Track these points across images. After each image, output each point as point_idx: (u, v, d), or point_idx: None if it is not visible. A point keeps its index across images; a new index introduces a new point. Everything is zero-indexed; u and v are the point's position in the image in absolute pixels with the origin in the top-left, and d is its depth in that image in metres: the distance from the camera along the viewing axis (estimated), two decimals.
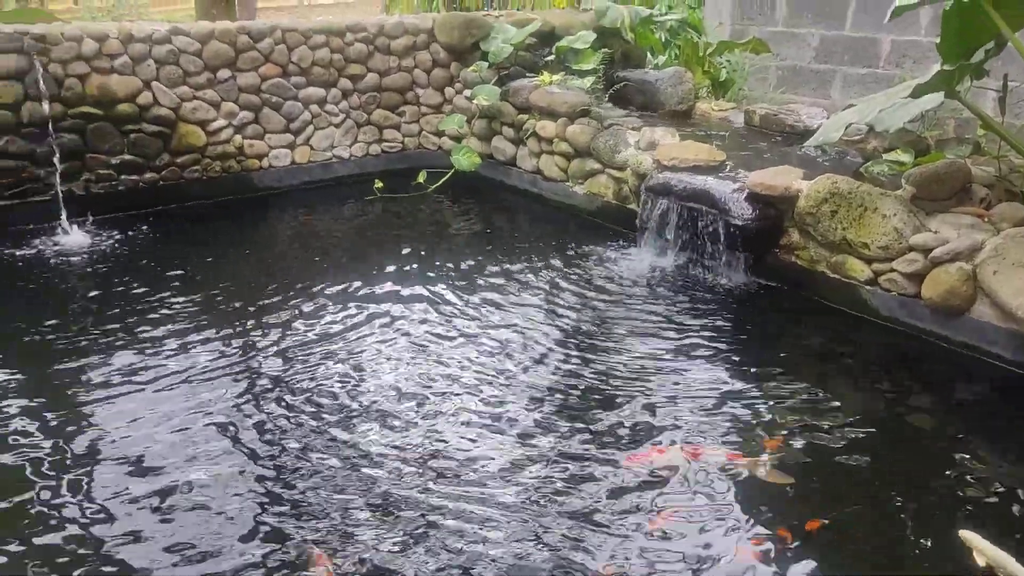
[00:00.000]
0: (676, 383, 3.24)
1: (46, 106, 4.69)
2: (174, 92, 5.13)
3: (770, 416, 3.02)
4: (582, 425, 2.95)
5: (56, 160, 4.78)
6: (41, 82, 4.65)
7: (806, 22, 7.51)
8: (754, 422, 2.97)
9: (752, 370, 3.37)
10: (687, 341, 3.59)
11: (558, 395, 3.16)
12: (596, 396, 3.14)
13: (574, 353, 3.49)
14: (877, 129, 4.11)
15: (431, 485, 2.59)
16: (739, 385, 3.23)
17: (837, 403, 3.12)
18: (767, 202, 4.06)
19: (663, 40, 6.90)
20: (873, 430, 2.94)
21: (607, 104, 5.50)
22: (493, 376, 3.29)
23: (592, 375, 3.30)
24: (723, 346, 3.56)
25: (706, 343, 3.58)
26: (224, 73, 5.28)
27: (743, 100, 6.50)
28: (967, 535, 2.18)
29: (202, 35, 5.17)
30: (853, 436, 2.89)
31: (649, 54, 6.53)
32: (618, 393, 3.16)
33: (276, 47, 5.43)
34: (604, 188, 5.05)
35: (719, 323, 3.79)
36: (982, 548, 2.13)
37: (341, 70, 5.74)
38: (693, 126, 5.43)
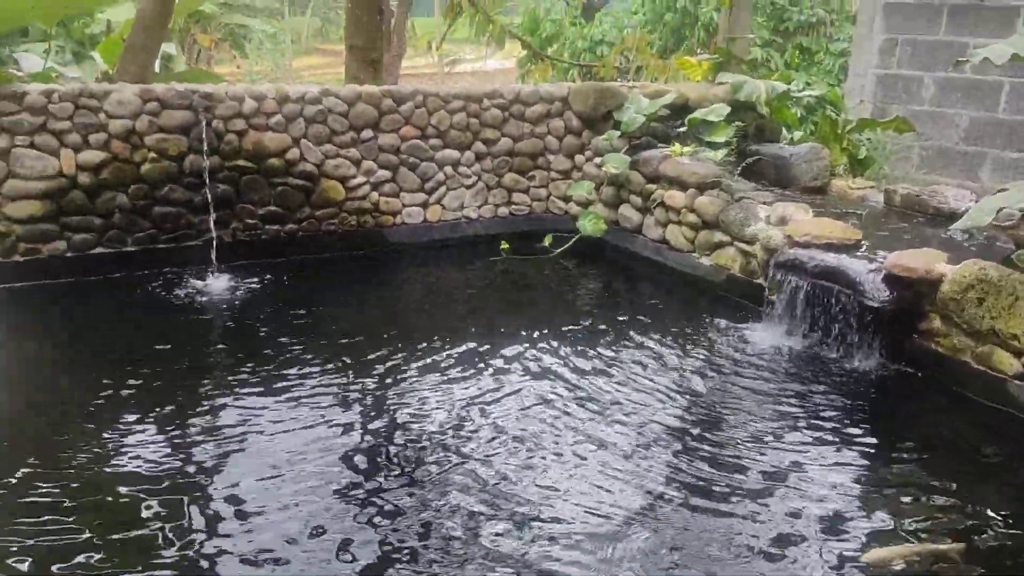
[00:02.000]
0: (800, 469, 3.09)
1: (206, 159, 5.08)
2: (320, 149, 5.45)
3: (908, 517, 2.82)
4: (702, 504, 2.85)
5: (210, 208, 5.14)
6: (204, 136, 5.04)
7: (954, 103, 7.24)
8: (890, 522, 2.78)
9: (885, 462, 3.18)
10: (813, 425, 3.44)
11: (674, 473, 3.07)
12: (716, 477, 3.03)
13: (692, 429, 3.39)
14: None
15: (545, 552, 2.56)
16: (868, 476, 3.05)
17: (980, 505, 2.89)
18: (906, 284, 3.88)
19: (799, 116, 6.79)
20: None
21: (738, 177, 5.44)
22: (604, 446, 3.24)
23: (712, 454, 3.18)
24: (853, 433, 3.38)
25: (835, 429, 3.41)
26: (367, 133, 5.57)
27: (883, 179, 6.29)
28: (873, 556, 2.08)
29: (350, 97, 5.49)
30: (1002, 545, 2.66)
31: (784, 129, 6.44)
32: (738, 474, 3.04)
33: (416, 110, 5.70)
34: (731, 261, 4.96)
35: (849, 408, 3.61)
36: (891, 555, 2.03)
37: (476, 134, 5.95)
38: (828, 203, 5.28)
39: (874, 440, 3.36)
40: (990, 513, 2.84)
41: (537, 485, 2.94)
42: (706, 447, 3.24)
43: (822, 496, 2.91)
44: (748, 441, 3.30)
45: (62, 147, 4.79)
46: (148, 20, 5.45)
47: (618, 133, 5.88)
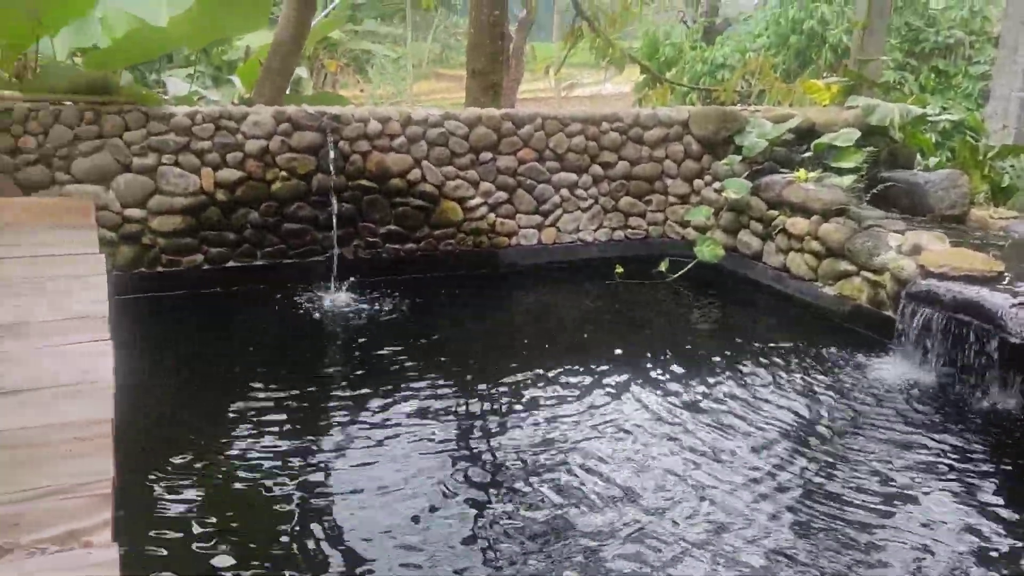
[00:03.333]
0: (926, 518, 2.90)
1: (333, 178, 5.28)
2: (440, 171, 5.58)
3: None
4: (817, 549, 2.73)
5: (334, 226, 5.34)
6: (331, 156, 5.26)
7: None
8: None
9: (1014, 509, 2.95)
10: (944, 469, 3.23)
11: (792, 515, 2.96)
12: (833, 522, 2.89)
13: (810, 467, 3.24)
14: None
15: None
16: (996, 536, 2.83)
17: None
18: None
19: (935, 141, 6.48)
20: None
21: (867, 204, 5.23)
22: (719, 482, 3.14)
23: (831, 496, 3.03)
24: (989, 479, 3.16)
25: (968, 473, 3.19)
26: (486, 155, 5.67)
27: None
28: None
29: (471, 120, 5.61)
30: None
31: (919, 155, 6.15)
32: (856, 519, 2.88)
33: (535, 133, 5.76)
34: (857, 291, 4.76)
35: (985, 451, 3.38)
36: None
37: (594, 157, 5.96)
38: (966, 233, 5.00)
39: (1011, 488, 3.13)
40: None
41: (647, 523, 2.88)
42: (825, 488, 3.09)
43: (949, 550, 2.73)
44: (871, 483, 3.12)
45: (203, 166, 5.09)
46: (285, 45, 5.74)
47: (739, 158, 5.76)
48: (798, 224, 5.19)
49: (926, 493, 3.07)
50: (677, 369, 4.19)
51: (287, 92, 6.33)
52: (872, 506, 2.97)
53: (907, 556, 2.67)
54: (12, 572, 1.58)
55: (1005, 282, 4.00)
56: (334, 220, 5.33)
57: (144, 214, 5.01)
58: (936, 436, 3.51)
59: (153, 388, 3.79)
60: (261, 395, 3.74)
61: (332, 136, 5.27)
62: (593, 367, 4.19)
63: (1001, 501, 3.03)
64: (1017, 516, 2.93)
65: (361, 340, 4.54)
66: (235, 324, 4.79)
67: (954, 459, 3.32)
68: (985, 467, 3.27)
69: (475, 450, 3.33)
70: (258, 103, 5.63)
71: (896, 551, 2.70)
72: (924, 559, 2.66)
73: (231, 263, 5.25)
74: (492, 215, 5.77)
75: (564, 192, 5.94)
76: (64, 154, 4.82)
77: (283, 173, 5.24)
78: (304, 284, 5.33)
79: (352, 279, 5.37)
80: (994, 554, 2.69)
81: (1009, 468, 3.28)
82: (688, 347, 4.57)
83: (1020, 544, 2.76)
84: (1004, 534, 2.81)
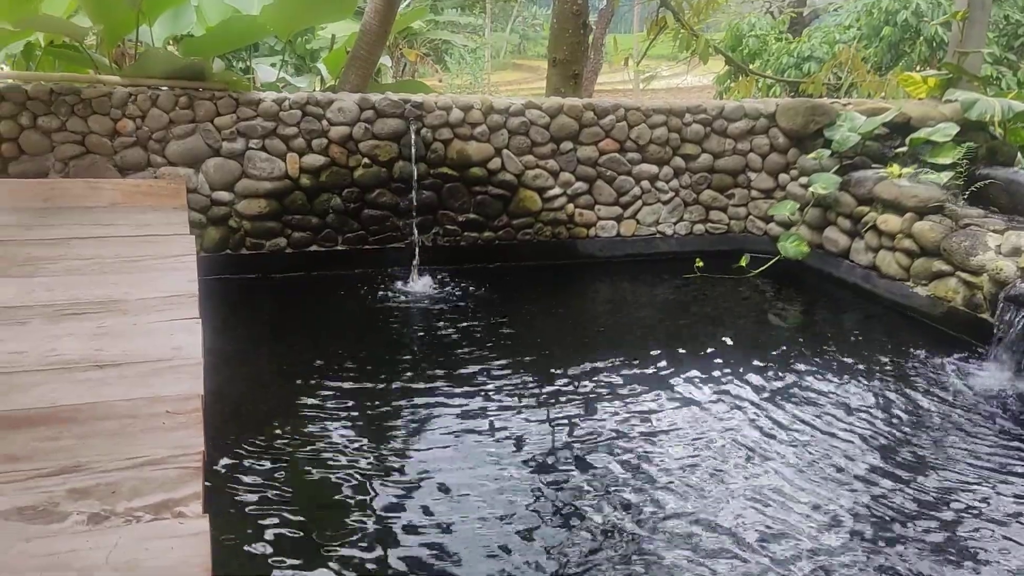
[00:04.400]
0: (1013, 534, 2.75)
1: (414, 165, 5.32)
2: (520, 160, 5.56)
3: None
4: None
5: (414, 213, 5.38)
6: (413, 144, 5.30)
7: None
8: None
9: None
10: None
11: (868, 531, 2.85)
12: (911, 545, 2.76)
13: (892, 484, 3.08)
14: None
15: None
16: None
17: None
18: None
19: None
20: None
21: (964, 202, 4.99)
22: (787, 488, 3.05)
23: (898, 516, 2.88)
24: None
25: None
26: (566, 145, 5.63)
27: None
28: None
29: (552, 109, 5.57)
30: None
31: (1021, 153, 5.85)
32: (939, 542, 2.76)
33: (617, 124, 5.69)
34: (952, 292, 4.56)
35: None
36: None
37: (676, 149, 5.85)
38: None
39: None
40: None
41: (714, 521, 2.82)
42: (897, 505, 2.96)
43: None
44: (961, 501, 2.98)
45: (288, 151, 5.20)
46: (371, 34, 5.80)
47: (828, 152, 5.57)
48: (890, 221, 5.00)
49: (1016, 511, 2.91)
50: (757, 368, 4.08)
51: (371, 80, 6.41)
52: (962, 510, 2.84)
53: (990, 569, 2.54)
54: (110, 537, 1.63)
55: None
56: (414, 207, 5.38)
57: (231, 197, 5.15)
58: None
59: (238, 367, 3.89)
60: (339, 378, 3.80)
61: (414, 124, 5.31)
62: (666, 362, 4.12)
63: None
64: None
65: (438, 328, 4.57)
66: (315, 308, 4.88)
67: None
68: None
69: (546, 440, 3.31)
70: (343, 90, 5.71)
71: (981, 565, 2.58)
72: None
73: (313, 247, 5.36)
74: (571, 205, 5.73)
75: (645, 184, 5.86)
76: (159, 137, 4.99)
77: (365, 160, 5.31)
78: (383, 270, 5.40)
79: (431, 267, 5.41)
80: None
81: None
82: (769, 346, 4.45)
83: None
84: None
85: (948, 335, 4.50)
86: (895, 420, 3.57)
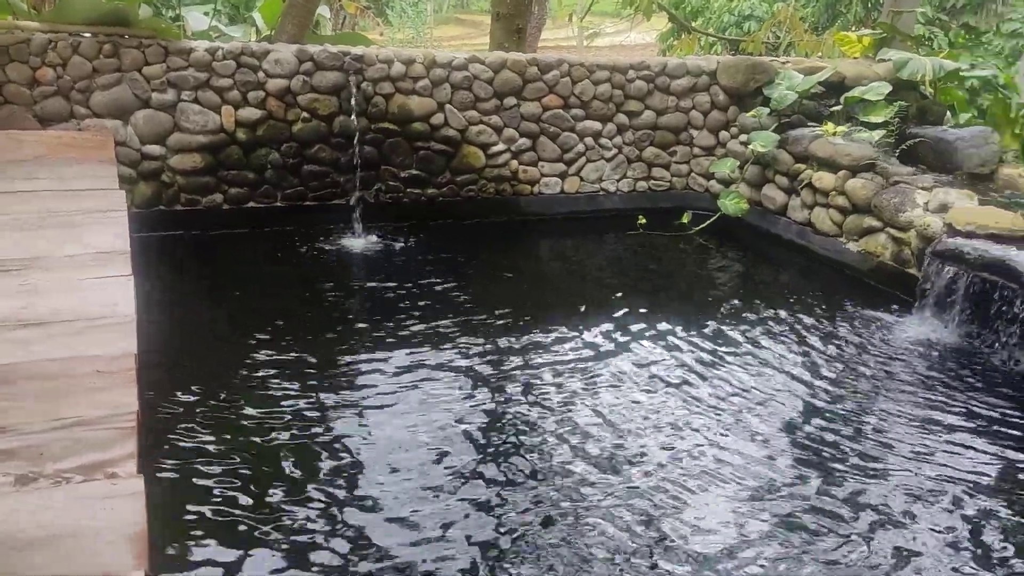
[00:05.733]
0: (934, 482, 2.87)
1: (355, 120, 5.22)
2: (463, 115, 5.50)
3: None
4: (811, 516, 2.73)
5: (356, 169, 5.29)
6: (354, 98, 5.19)
7: None
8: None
9: None
10: (963, 429, 3.21)
11: (802, 472, 2.95)
12: (834, 484, 2.88)
13: (828, 426, 3.22)
14: None
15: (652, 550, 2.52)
16: (1015, 487, 2.82)
17: None
18: None
19: (966, 98, 6.32)
20: None
21: (894, 160, 5.12)
22: (729, 437, 3.14)
23: (835, 457, 3.01)
24: (1002, 438, 3.14)
25: (981, 437, 3.17)
26: (510, 100, 5.58)
27: None
28: None
29: (496, 64, 5.50)
30: None
31: (949, 112, 6.01)
32: (867, 484, 2.87)
33: (561, 80, 5.66)
34: (881, 248, 4.69)
35: (1000, 414, 3.34)
36: None
37: (620, 106, 5.85)
38: (995, 191, 4.90)
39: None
40: None
41: (662, 476, 2.89)
42: (841, 447, 3.08)
43: (963, 513, 2.72)
44: (887, 444, 3.11)
45: (223, 103, 5.04)
46: None
47: (767, 110, 5.64)
48: (825, 179, 5.10)
49: (938, 451, 3.05)
50: (695, 322, 4.16)
51: (308, 32, 6.23)
52: (882, 460, 2.97)
53: (917, 525, 2.67)
54: (37, 500, 1.59)
55: None
56: (356, 163, 5.28)
57: (163, 151, 4.98)
58: (954, 395, 3.49)
59: (173, 325, 3.80)
60: (277, 336, 3.75)
61: (355, 77, 5.19)
62: (609, 318, 4.17)
63: (1015, 460, 3.01)
64: (1014, 479, 2.92)
65: (380, 284, 4.53)
66: (254, 265, 4.79)
67: (969, 418, 3.30)
68: (1001, 427, 3.24)
69: (487, 395, 3.33)
70: (280, 41, 5.55)
71: (911, 506, 2.70)
72: (933, 522, 2.66)
73: (251, 204, 5.23)
74: (515, 162, 5.71)
75: (588, 141, 5.85)
76: (83, 87, 4.78)
77: (304, 114, 5.19)
78: (324, 227, 5.31)
79: (373, 223, 5.34)
80: (1004, 510, 2.69)
81: (1019, 425, 3.27)
82: (707, 300, 4.55)
83: (1016, 489, 2.76)
84: (1013, 489, 2.80)
85: (878, 289, 4.65)
86: (824, 368, 3.70)
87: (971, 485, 2.83)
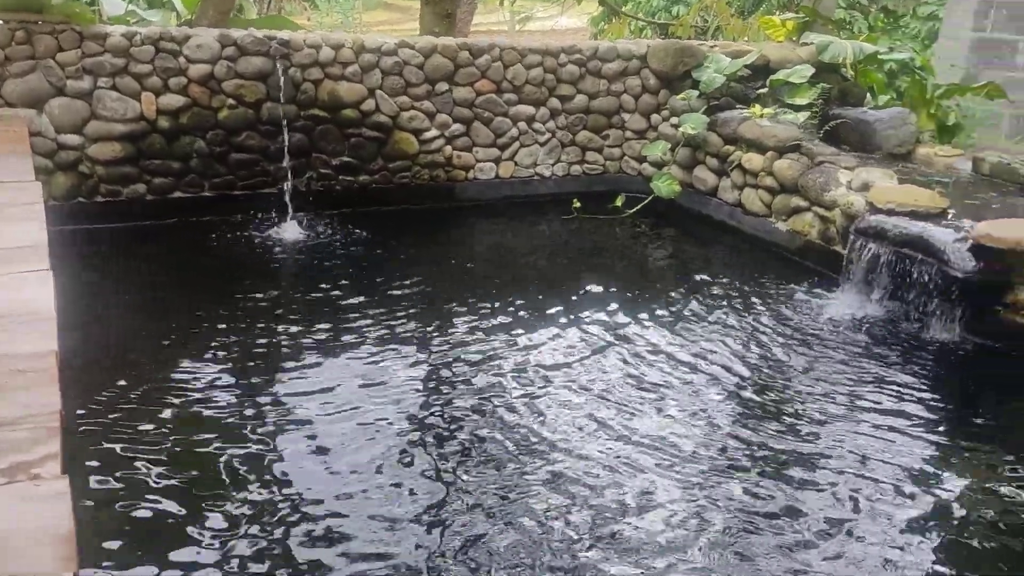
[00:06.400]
0: (866, 447, 2.99)
1: (283, 107, 5.11)
2: (394, 101, 5.43)
3: (975, 501, 2.73)
4: (748, 484, 2.80)
5: (286, 157, 5.18)
6: (281, 84, 5.07)
7: None
8: (958, 506, 2.69)
9: (957, 438, 3.07)
10: (882, 399, 3.33)
11: (736, 441, 3.03)
12: (772, 452, 2.96)
13: (759, 397, 3.33)
14: None
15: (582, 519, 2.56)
16: (938, 460, 2.95)
17: None
18: (994, 255, 3.72)
19: (885, 81, 6.53)
20: None
21: (819, 141, 5.26)
22: (665, 409, 3.21)
23: (772, 428, 3.10)
24: (924, 409, 3.27)
25: (905, 404, 3.30)
26: (442, 86, 5.54)
27: (971, 147, 6.01)
28: None
29: (426, 49, 5.45)
30: None
31: (869, 93, 6.19)
32: (797, 450, 2.96)
33: (493, 64, 5.63)
34: (808, 227, 4.82)
35: (922, 382, 3.49)
36: None
37: (552, 90, 5.86)
38: (913, 170, 5.08)
39: (948, 415, 3.27)
40: None
41: (596, 448, 2.93)
42: (772, 416, 3.18)
43: (885, 472, 2.83)
44: (816, 412, 3.22)
45: (143, 90, 4.88)
46: None
47: (696, 93, 5.72)
48: (753, 160, 5.21)
49: (863, 418, 3.17)
50: (628, 303, 4.22)
51: (231, 16, 6.07)
52: (811, 428, 3.08)
53: (844, 485, 2.77)
54: None
55: (949, 218, 4.09)
56: (285, 150, 5.18)
57: (81, 140, 4.80)
58: (877, 367, 3.62)
59: (95, 321, 3.68)
60: (206, 329, 3.67)
61: (282, 63, 5.08)
62: (546, 302, 4.20)
63: (939, 424, 3.15)
64: (941, 437, 3.06)
65: (313, 274, 4.46)
66: (182, 257, 4.66)
67: (891, 386, 3.43)
68: (921, 394, 3.38)
69: (423, 380, 3.32)
70: (201, 26, 5.39)
71: (832, 473, 2.81)
72: (858, 482, 2.76)
73: (177, 194, 5.09)
74: (448, 148, 5.67)
75: (522, 125, 5.85)
76: None
77: (230, 100, 5.05)
78: (255, 217, 5.19)
79: (305, 212, 5.25)
80: (924, 469, 2.81)
81: (944, 397, 3.40)
82: (641, 281, 4.62)
83: (948, 465, 2.88)
84: (934, 455, 2.93)
85: (806, 267, 4.78)
86: (754, 345, 3.80)
87: (893, 450, 2.94)
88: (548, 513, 2.52)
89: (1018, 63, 7.24)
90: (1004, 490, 2.76)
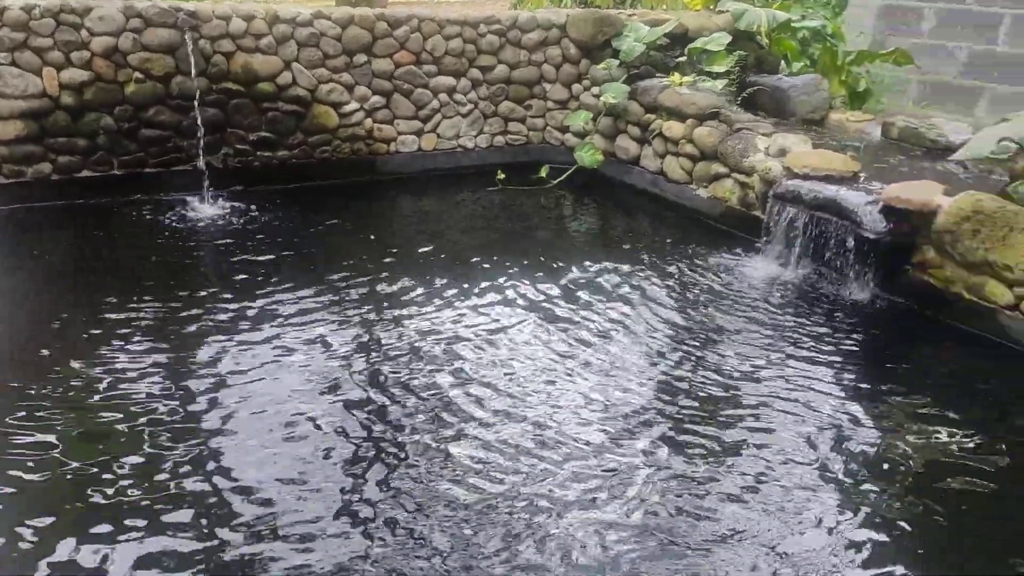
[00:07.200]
0: (787, 399, 3.12)
1: (194, 80, 4.93)
2: (312, 73, 5.31)
3: (890, 443, 2.87)
4: (680, 440, 2.88)
5: (200, 133, 5.01)
6: (191, 57, 4.89)
7: (954, 35, 7.15)
8: (872, 449, 2.82)
9: (874, 391, 3.21)
10: (804, 355, 3.46)
11: (662, 402, 3.10)
12: (699, 408, 3.05)
13: (683, 359, 3.40)
14: None
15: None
16: (856, 407, 3.08)
17: (964, 433, 2.94)
18: (903, 216, 3.88)
19: (798, 48, 6.68)
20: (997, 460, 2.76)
21: (737, 108, 5.36)
22: (591, 373, 3.26)
23: (699, 385, 3.20)
24: (843, 363, 3.41)
25: (825, 359, 3.43)
26: (360, 58, 5.43)
27: (880, 112, 6.23)
28: None
29: (343, 20, 5.33)
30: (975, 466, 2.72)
31: (784, 61, 6.33)
32: (723, 407, 3.06)
33: (412, 35, 5.55)
34: (728, 193, 4.92)
35: (840, 339, 3.63)
36: None
37: (472, 61, 5.81)
38: (826, 135, 5.24)
39: (863, 367, 3.40)
40: (967, 437, 2.88)
41: (531, 407, 2.96)
42: (696, 377, 3.26)
43: (805, 420, 2.96)
44: (738, 370, 3.32)
45: (44, 65, 4.65)
46: None
47: (617, 62, 5.75)
48: (674, 128, 5.28)
49: (784, 375, 3.29)
50: (554, 272, 4.25)
51: None
52: (733, 385, 3.17)
53: (762, 425, 2.87)
54: None
55: (861, 181, 4.23)
56: (199, 125, 5.01)
57: None
58: (795, 324, 3.74)
59: (3, 307, 3.52)
60: (123, 313, 3.54)
61: (191, 34, 4.89)
62: (472, 273, 4.19)
63: (855, 377, 3.28)
64: (855, 390, 3.19)
65: (232, 253, 4.34)
66: (93, 239, 4.47)
67: (809, 344, 3.56)
68: (837, 351, 3.51)
69: (349, 356, 3.29)
70: None
71: (753, 422, 2.91)
72: (779, 430, 2.86)
73: (85, 172, 4.88)
74: (369, 121, 5.58)
75: (443, 97, 5.79)
76: None
77: (137, 74, 4.86)
78: (170, 195, 5.02)
79: (223, 190, 5.10)
80: (839, 419, 2.93)
81: (858, 353, 3.54)
82: (565, 250, 4.64)
83: (864, 414, 3.01)
84: (851, 403, 3.06)
85: (728, 233, 4.89)
86: (677, 307, 3.89)
87: (812, 399, 3.07)
88: (463, 473, 2.54)
89: (923, 30, 7.50)
90: (915, 428, 2.92)
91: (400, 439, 2.75)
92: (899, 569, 2.26)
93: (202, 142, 5.03)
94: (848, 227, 4.00)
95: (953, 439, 2.88)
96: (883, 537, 2.38)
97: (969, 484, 2.63)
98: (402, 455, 2.66)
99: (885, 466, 2.71)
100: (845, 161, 4.33)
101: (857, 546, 2.34)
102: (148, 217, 4.75)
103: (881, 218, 3.89)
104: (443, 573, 2.17)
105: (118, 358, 3.16)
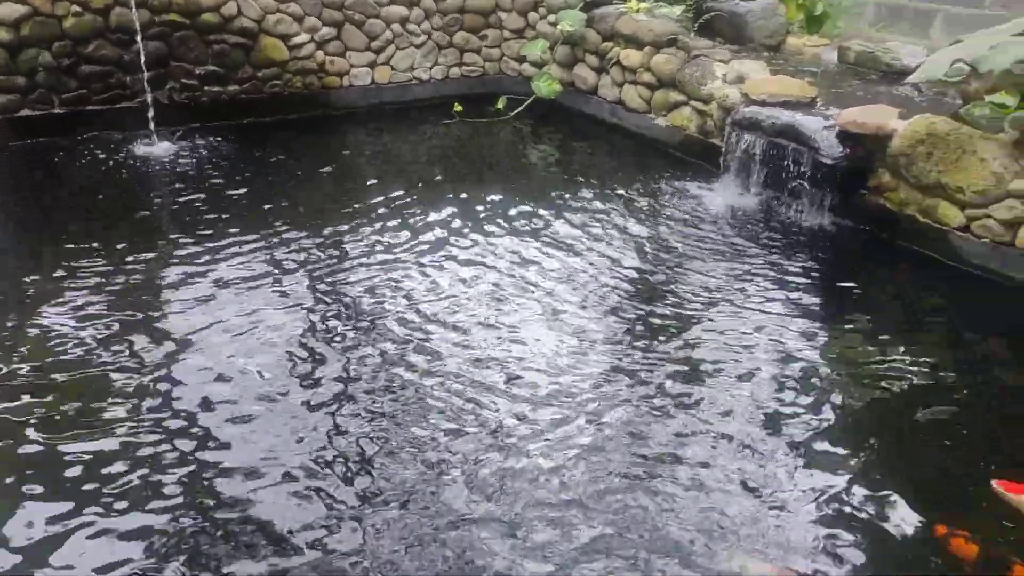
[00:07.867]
0: (743, 321, 3.16)
1: (134, 12, 4.73)
2: (258, 4, 5.12)
3: (845, 361, 2.94)
4: (640, 369, 2.92)
5: (143, 67, 4.83)
6: None
7: None
8: (822, 371, 2.89)
9: (829, 313, 3.28)
10: (760, 280, 3.51)
11: (625, 326, 3.13)
12: (661, 335, 3.08)
13: (644, 286, 3.44)
14: (981, 69, 3.85)
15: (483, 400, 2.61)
16: (812, 327, 3.14)
17: (917, 352, 3.02)
18: (858, 140, 3.91)
19: None
20: (953, 376, 2.85)
21: (694, 35, 5.31)
22: (556, 301, 3.27)
23: (661, 313, 3.23)
24: (799, 285, 3.47)
25: (782, 282, 3.49)
26: None
27: (837, 36, 6.20)
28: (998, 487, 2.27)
29: None
30: (927, 384, 2.81)
31: None
32: (685, 333, 3.10)
33: None
34: (687, 121, 4.91)
35: (798, 263, 3.69)
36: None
37: None
38: (784, 61, 5.22)
39: (818, 291, 3.46)
40: (922, 360, 2.97)
41: (494, 338, 2.97)
42: (658, 301, 3.30)
43: (766, 343, 3.01)
44: (695, 295, 3.36)
45: None
46: None
47: None
48: (631, 56, 5.22)
49: (743, 298, 3.34)
50: (514, 203, 4.23)
51: None
52: (695, 310, 3.22)
53: (721, 353, 2.92)
54: None
55: (818, 106, 4.24)
56: (142, 59, 4.82)
57: None
58: (754, 250, 3.79)
59: None
60: (73, 257, 3.45)
61: None
62: (432, 207, 4.15)
63: (812, 300, 3.35)
64: (813, 312, 3.26)
65: (180, 192, 4.23)
66: (38, 181, 4.32)
67: (768, 268, 3.61)
68: (794, 274, 3.57)
69: (310, 294, 3.26)
70: None
71: (714, 347, 2.96)
72: (747, 353, 2.92)
73: (25, 112, 4.69)
74: (320, 53, 5.42)
75: (396, 27, 5.64)
76: None
77: (75, 7, 4.65)
78: (116, 133, 4.86)
79: (171, 126, 4.95)
80: (810, 333, 3.00)
81: (815, 276, 3.60)
82: (524, 182, 4.62)
83: (820, 332, 3.09)
84: (809, 324, 3.13)
85: (687, 161, 4.89)
86: (637, 235, 3.91)
87: (772, 321, 3.12)
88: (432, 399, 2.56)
89: None
90: (869, 347, 2.99)
91: (368, 374, 2.75)
92: (846, 481, 2.34)
93: (146, 76, 4.85)
94: (805, 152, 4.02)
95: (906, 355, 2.96)
96: (840, 450, 2.45)
97: (924, 399, 2.71)
98: (376, 399, 2.67)
99: (840, 384, 2.78)
100: (802, 87, 4.33)
101: (810, 456, 2.41)
102: (93, 156, 4.60)
103: (837, 143, 3.92)
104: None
105: (60, 302, 3.08)
